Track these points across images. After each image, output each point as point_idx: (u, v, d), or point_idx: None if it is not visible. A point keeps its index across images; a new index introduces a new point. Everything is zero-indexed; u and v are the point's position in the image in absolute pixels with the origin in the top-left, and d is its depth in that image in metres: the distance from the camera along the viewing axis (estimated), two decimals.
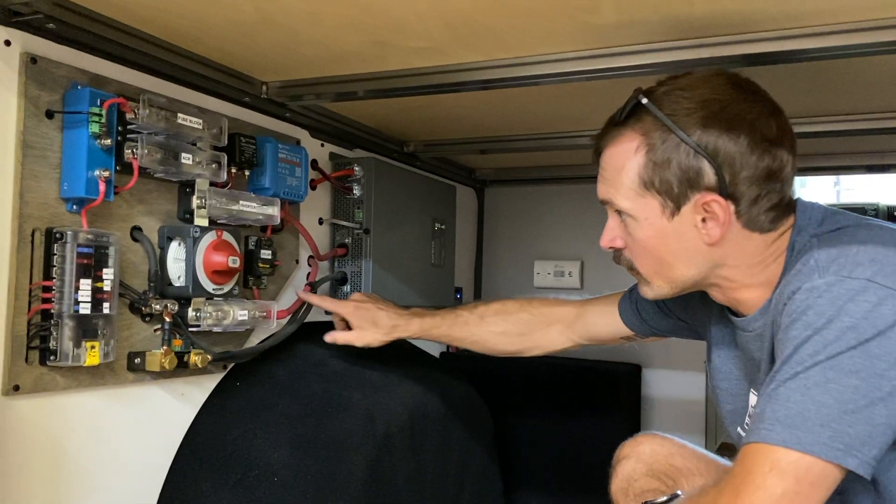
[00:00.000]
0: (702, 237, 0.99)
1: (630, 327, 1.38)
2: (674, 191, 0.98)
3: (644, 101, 0.99)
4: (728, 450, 2.14)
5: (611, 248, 1.09)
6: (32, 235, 1.03)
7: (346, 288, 1.65)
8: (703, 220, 0.98)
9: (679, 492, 1.19)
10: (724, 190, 0.96)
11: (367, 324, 1.47)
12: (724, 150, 0.95)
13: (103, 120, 1.07)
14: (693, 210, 0.98)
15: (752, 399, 1.08)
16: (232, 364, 1.37)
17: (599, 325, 1.42)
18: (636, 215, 1.02)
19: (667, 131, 0.97)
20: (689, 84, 0.99)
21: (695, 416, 2.15)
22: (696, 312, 1.25)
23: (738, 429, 1.13)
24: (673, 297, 1.10)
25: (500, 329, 1.50)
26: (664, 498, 1.18)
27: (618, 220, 1.06)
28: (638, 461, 1.32)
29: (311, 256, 1.57)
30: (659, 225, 1.00)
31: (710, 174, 0.96)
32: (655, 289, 1.07)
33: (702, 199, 0.97)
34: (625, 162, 1.00)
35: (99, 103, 1.07)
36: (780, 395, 0.86)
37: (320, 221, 1.64)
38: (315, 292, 1.57)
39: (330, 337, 1.48)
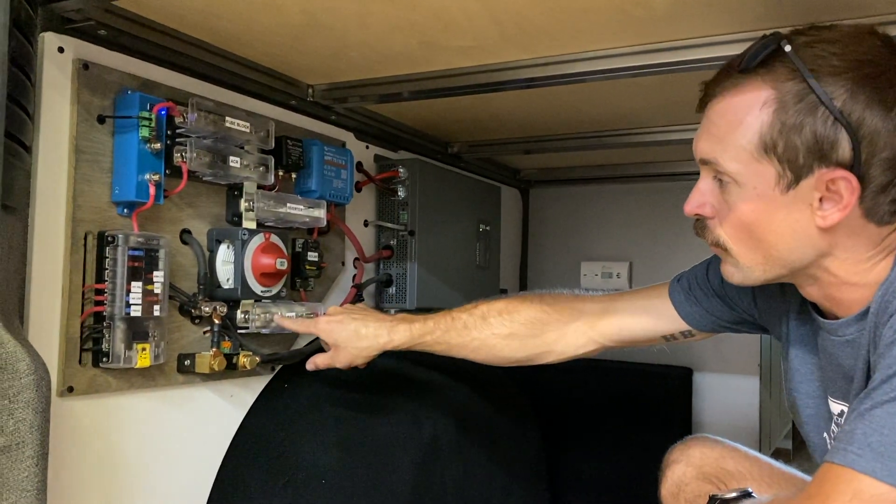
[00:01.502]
0: (814, 219, 0.86)
1: (688, 320, 1.20)
2: (798, 160, 0.84)
3: (787, 47, 0.83)
4: (782, 455, 2.08)
5: (696, 215, 0.95)
6: (85, 239, 1.05)
7: (392, 289, 1.65)
8: (821, 199, 0.85)
9: (750, 489, 1.12)
10: (858, 169, 0.82)
11: (344, 340, 1.28)
12: (869, 124, 0.81)
13: (153, 124, 1.08)
14: (813, 186, 0.84)
15: (834, 406, 1.00)
16: (280, 366, 1.38)
17: (637, 321, 1.24)
18: (744, 182, 0.88)
19: (806, 90, 0.82)
20: (836, 38, 0.85)
21: (748, 422, 2.09)
22: (768, 305, 1.12)
23: (824, 434, 1.04)
24: (762, 284, 0.97)
25: (507, 331, 1.29)
26: (733, 494, 1.11)
27: (711, 184, 0.92)
28: (688, 465, 1.27)
29: (356, 258, 1.57)
30: (768, 197, 0.86)
31: (845, 149, 0.82)
32: (745, 271, 0.93)
33: (828, 174, 0.83)
34: (745, 116, 0.86)
35: (149, 108, 1.08)
36: (874, 418, 0.77)
37: (365, 223, 1.64)
38: (361, 294, 1.57)
39: (311, 364, 1.31)
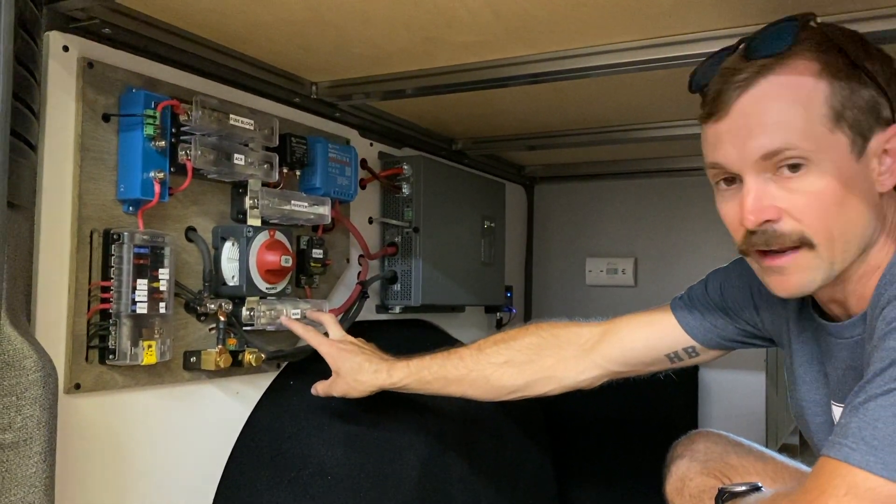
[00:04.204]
0: (876, 184, 0.84)
1: (692, 334, 1.16)
2: (864, 124, 0.83)
3: (817, 20, 0.84)
4: (789, 451, 2.08)
5: (764, 221, 0.85)
6: (91, 237, 1.05)
7: (397, 286, 1.65)
8: (879, 162, 0.84)
9: (759, 483, 1.12)
10: None
11: (346, 370, 1.27)
12: (892, 86, 0.84)
13: (157, 122, 1.08)
14: (876, 149, 0.84)
15: (836, 410, 0.98)
16: (286, 363, 1.38)
17: (640, 339, 1.20)
18: (820, 159, 0.82)
19: (843, 59, 0.83)
20: (825, 22, 0.87)
21: (754, 418, 2.09)
22: (771, 313, 1.09)
23: None
24: (827, 283, 0.89)
25: (503, 359, 1.26)
26: (743, 487, 1.11)
27: (766, 184, 0.85)
28: (692, 460, 1.26)
29: (361, 255, 1.57)
30: (846, 168, 0.82)
31: (888, 108, 0.84)
32: (827, 268, 0.86)
33: (884, 134, 0.83)
34: (805, 92, 0.82)
35: (153, 106, 1.08)
36: (868, 411, 0.76)
37: (370, 220, 1.64)
38: (366, 291, 1.57)
39: (314, 390, 1.32)
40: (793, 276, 0.88)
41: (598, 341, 1.23)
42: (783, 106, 0.83)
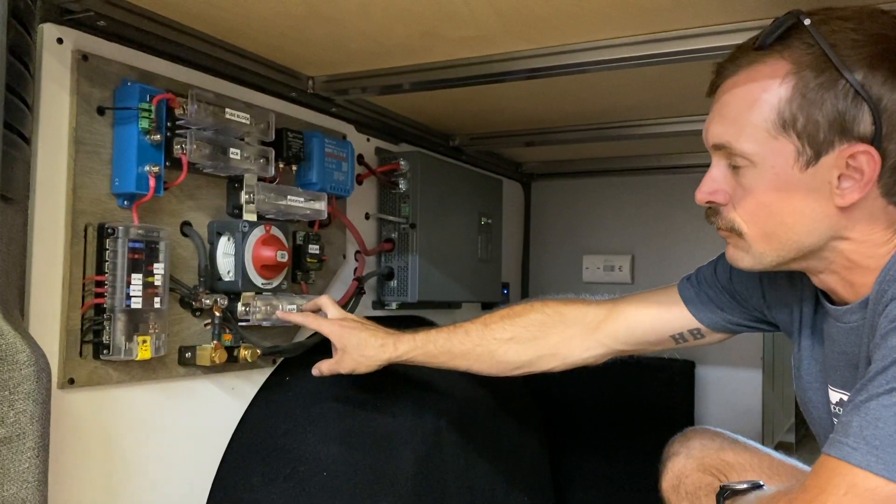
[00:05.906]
0: (833, 197, 0.84)
1: (698, 316, 1.16)
2: (819, 136, 0.82)
3: (806, 21, 0.82)
4: (785, 449, 2.08)
5: (709, 202, 0.92)
6: (85, 231, 1.04)
7: (393, 282, 1.65)
8: (840, 177, 0.83)
9: (761, 482, 1.12)
10: (878, 144, 0.81)
11: (352, 346, 1.26)
12: (889, 98, 0.80)
13: (153, 116, 1.08)
14: (833, 163, 0.82)
15: (832, 395, 0.98)
16: (281, 359, 1.38)
17: (645, 318, 1.20)
18: (760, 161, 0.85)
19: (826, 63, 0.81)
20: (851, 15, 0.83)
21: (751, 416, 2.09)
22: (777, 296, 1.09)
23: (830, 420, 1.02)
24: (772, 270, 0.94)
25: (509, 335, 1.26)
26: (744, 485, 1.10)
27: (725, 170, 0.90)
28: (688, 457, 1.25)
29: (357, 251, 1.57)
30: (787, 176, 0.84)
31: (867, 122, 0.80)
32: (757, 256, 0.90)
33: (848, 150, 0.81)
34: (762, 94, 0.84)
35: (148, 99, 1.08)
36: (869, 411, 0.76)
37: (367, 216, 1.63)
38: (363, 287, 1.56)
39: (316, 370, 1.30)
40: (729, 249, 0.95)
41: (604, 320, 1.23)
42: (739, 103, 0.87)
